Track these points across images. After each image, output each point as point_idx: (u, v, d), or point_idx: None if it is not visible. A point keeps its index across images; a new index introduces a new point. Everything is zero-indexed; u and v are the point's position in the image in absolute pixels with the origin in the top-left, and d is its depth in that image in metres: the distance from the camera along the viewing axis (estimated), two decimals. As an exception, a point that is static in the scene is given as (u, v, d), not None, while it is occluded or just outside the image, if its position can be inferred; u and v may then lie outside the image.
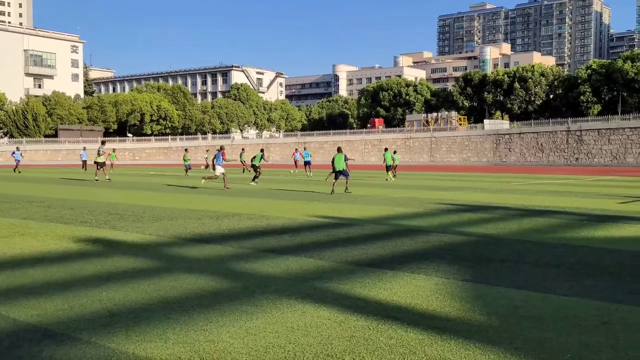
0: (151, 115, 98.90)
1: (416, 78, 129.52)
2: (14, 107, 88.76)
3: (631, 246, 9.16)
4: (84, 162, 40.92)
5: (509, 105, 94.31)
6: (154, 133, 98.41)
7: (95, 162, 29.45)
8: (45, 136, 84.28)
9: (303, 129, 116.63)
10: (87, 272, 7.07)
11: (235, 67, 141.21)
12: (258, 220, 12.56)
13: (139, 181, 29.03)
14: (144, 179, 31.82)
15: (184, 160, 38.41)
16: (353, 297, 5.96)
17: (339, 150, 22.12)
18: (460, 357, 4.20)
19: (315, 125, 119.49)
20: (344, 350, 4.35)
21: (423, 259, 8.03)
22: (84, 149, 43.57)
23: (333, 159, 21.54)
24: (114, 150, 41.37)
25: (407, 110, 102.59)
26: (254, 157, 27.63)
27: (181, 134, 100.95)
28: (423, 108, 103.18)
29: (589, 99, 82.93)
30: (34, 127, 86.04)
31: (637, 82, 77.99)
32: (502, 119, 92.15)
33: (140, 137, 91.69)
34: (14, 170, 40.25)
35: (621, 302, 5.77)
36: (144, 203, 16.50)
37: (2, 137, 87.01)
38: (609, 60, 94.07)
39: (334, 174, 21.32)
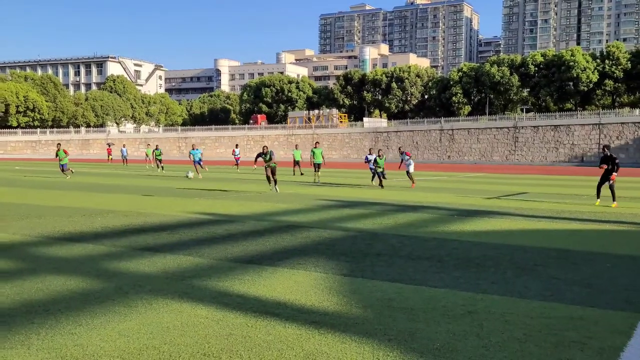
0: (17, 107, 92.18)
1: (298, 75, 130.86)
2: None
3: (495, 239, 9.82)
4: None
5: (387, 104, 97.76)
6: (21, 125, 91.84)
7: None
8: None
9: (184, 123, 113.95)
10: (-61, 276, 6.46)
11: (111, 57, 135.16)
12: (134, 217, 12.11)
13: (2, 177, 27.00)
14: (8, 174, 29.64)
15: (58, 156, 28.52)
16: (232, 294, 5.91)
17: (317, 144, 27.72)
18: (337, 351, 4.30)
19: (196, 120, 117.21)
20: (222, 349, 4.30)
21: (303, 255, 8.12)
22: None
23: (313, 153, 26.63)
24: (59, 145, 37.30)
25: (289, 107, 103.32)
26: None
27: (52, 126, 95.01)
28: (305, 105, 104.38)
29: (460, 100, 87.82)
30: None
31: (502, 85, 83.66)
32: (381, 117, 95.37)
33: (4, 130, 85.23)
34: None
35: (485, 292, 6.17)
36: (7, 200, 15.37)
37: None
38: (478, 64, 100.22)
39: (313, 166, 26.53)
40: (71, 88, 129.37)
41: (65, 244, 8.77)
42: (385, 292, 6.10)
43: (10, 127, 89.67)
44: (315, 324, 4.91)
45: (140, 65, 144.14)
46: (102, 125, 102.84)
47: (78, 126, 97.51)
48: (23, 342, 4.35)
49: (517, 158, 62.58)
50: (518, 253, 8.49)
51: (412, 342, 4.51)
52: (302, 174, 30.04)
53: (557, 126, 61.47)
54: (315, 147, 27.23)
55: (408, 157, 23.30)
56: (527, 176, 32.69)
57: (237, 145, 42.35)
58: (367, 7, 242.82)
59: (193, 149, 30.11)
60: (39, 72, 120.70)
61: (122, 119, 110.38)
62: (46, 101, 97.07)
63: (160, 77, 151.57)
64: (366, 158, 25.28)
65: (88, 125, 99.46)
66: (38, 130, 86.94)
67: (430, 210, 14.16)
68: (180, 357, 4.14)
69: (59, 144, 28.54)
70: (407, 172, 23.26)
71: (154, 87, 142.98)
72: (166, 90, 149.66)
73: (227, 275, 6.75)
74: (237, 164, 38.81)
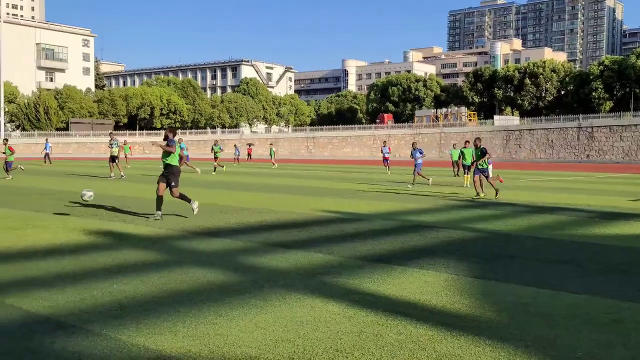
0: (161, 109, 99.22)
1: (426, 73, 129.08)
2: (25, 101, 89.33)
3: (642, 244, 9.10)
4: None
5: (519, 101, 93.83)
6: (164, 127, 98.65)
7: (110, 156, 26.86)
8: (57, 129, 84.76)
9: (312, 123, 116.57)
10: (98, 265, 7.12)
11: (244, 61, 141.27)
12: (267, 214, 12.58)
13: (150, 175, 29.14)
14: (155, 172, 31.95)
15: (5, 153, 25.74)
16: (362, 292, 5.96)
17: (467, 143, 22.69)
18: (471, 354, 4.20)
19: (323, 120, 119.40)
20: (353, 346, 4.36)
21: (432, 255, 8.02)
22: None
23: (462, 153, 22.69)
24: (125, 142, 40.21)
25: (416, 106, 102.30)
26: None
27: (191, 128, 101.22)
28: (432, 103, 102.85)
29: (601, 95, 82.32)
30: (45, 120, 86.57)
31: (649, 79, 77.37)
32: (512, 115, 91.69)
33: (150, 131, 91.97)
34: (45, 162, 39.69)
35: (632, 300, 5.74)
36: (153, 197, 16.56)
37: (14, 129, 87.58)
38: (622, 57, 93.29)
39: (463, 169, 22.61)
40: (208, 91, 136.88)
41: (205, 238, 9.31)
42: (520, 296, 5.86)
43: (155, 128, 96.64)
44: (447, 326, 4.83)
45: (271, 68, 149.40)
46: (236, 126, 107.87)
47: (214, 127, 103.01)
48: (170, 329, 4.68)
49: (666, 157, 57.49)
50: (670, 260, 7.81)
51: (551, 350, 4.30)
52: (457, 175, 27.95)
53: None
54: (465, 147, 23.23)
55: (420, 154, 21.19)
56: (678, 177, 29.93)
57: (384, 142, 36.47)
58: (499, 2, 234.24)
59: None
60: (180, 77, 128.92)
61: (255, 120, 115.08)
62: (186, 104, 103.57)
63: (290, 79, 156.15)
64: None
65: (223, 126, 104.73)
66: (179, 131, 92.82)
67: (567, 212, 13.40)
68: (314, 351, 4.25)
69: (5, 139, 27.23)
70: (414, 171, 21.40)
71: (284, 88, 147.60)
72: (295, 91, 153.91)
73: (357, 273, 6.83)
74: (387, 164, 32.71)
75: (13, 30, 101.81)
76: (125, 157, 36.51)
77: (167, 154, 11.81)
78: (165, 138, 11.91)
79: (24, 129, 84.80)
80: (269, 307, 5.36)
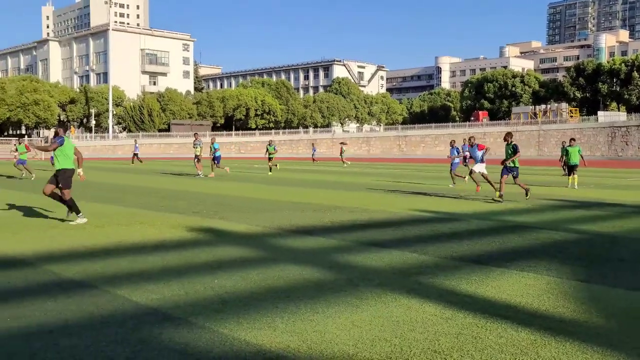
0: (256, 110, 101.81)
1: (523, 69, 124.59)
2: (131, 104, 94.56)
3: None
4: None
5: (626, 96, 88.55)
6: (258, 127, 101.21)
7: (195, 156, 27.75)
8: (159, 130, 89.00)
9: (404, 122, 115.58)
10: (200, 260, 7.41)
11: (336, 61, 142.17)
12: (360, 213, 12.61)
13: (244, 174, 29.99)
14: (248, 173, 32.84)
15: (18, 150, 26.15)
16: (459, 293, 5.85)
17: (572, 141, 21.24)
18: (576, 361, 4.02)
19: (416, 118, 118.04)
20: (452, 347, 4.29)
21: (532, 257, 7.73)
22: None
23: (567, 151, 21.03)
24: (212, 140, 41.27)
25: (513, 103, 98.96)
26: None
27: (284, 128, 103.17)
28: (530, 100, 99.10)
29: None
30: (149, 122, 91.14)
31: None
32: (619, 110, 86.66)
33: (245, 131, 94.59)
34: (132, 161, 42.25)
35: None
36: (249, 195, 17.03)
37: (121, 131, 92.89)
38: None
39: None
40: (301, 91, 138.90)
41: (299, 236, 9.46)
42: (631, 302, 5.54)
43: (250, 128, 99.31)
44: (550, 330, 4.65)
45: (363, 67, 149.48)
46: (327, 125, 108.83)
47: (306, 127, 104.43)
48: (269, 324, 4.80)
49: None
50: None
51: (667, 361, 4.03)
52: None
53: None
54: (571, 145, 21.39)
55: (471, 148, 17.45)
56: None
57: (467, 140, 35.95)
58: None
59: (212, 143, 27.71)
60: (274, 78, 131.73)
61: (346, 119, 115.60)
62: (280, 104, 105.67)
63: (381, 78, 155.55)
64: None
65: (315, 126, 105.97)
66: (272, 131, 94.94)
67: (682, 214, 12.50)
68: (411, 351, 4.22)
69: (20, 138, 27.12)
70: (450, 170, 20.10)
71: (375, 87, 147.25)
72: (387, 90, 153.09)
73: (453, 274, 6.70)
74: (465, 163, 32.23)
75: (120, 37, 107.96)
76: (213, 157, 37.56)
77: (57, 157, 10.63)
78: (55, 135, 10.72)
79: (129, 131, 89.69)
80: (364, 306, 5.37)
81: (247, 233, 9.77)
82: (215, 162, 26.46)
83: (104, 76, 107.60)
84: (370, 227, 10.57)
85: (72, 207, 10.66)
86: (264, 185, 21.14)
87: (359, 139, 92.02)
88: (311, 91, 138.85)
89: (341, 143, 49.00)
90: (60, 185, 10.52)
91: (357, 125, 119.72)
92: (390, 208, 13.63)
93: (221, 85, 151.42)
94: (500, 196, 15.16)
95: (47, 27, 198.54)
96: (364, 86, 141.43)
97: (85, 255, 7.66)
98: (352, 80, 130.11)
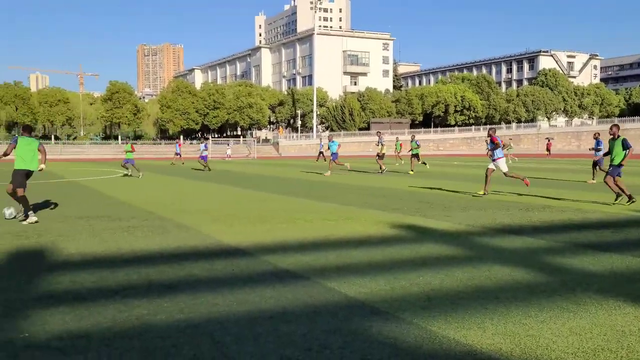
0: (455, 106, 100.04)
1: None
2: (333, 104, 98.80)
3: None
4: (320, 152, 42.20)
5: None
6: (458, 123, 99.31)
7: (376, 154, 29.03)
8: (359, 129, 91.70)
9: (621, 114, 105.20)
10: (404, 257, 7.47)
11: (542, 52, 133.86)
12: (572, 212, 11.75)
13: (440, 171, 29.61)
14: (448, 169, 32.37)
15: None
16: (698, 306, 5.16)
17: None
18: None
19: (635, 110, 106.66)
20: (691, 366, 3.80)
21: None
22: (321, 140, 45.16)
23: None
24: (397, 139, 41.27)
25: None
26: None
27: (484, 123, 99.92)
28: None
29: None
30: (350, 121, 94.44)
31: None
32: None
33: (444, 128, 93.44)
34: (316, 160, 43.68)
35: None
36: (452, 192, 16.77)
37: (324, 130, 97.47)
38: None
39: None
40: (503, 85, 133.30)
41: (506, 235, 9.08)
42: None
43: (449, 125, 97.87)
44: None
45: (573, 57, 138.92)
46: (532, 120, 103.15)
47: (509, 122, 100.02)
48: (479, 325, 4.67)
49: None
50: None
51: None
52: None
53: None
54: None
55: (502, 144, 15.28)
56: None
57: None
58: None
59: (330, 141, 26.95)
60: (475, 72, 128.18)
61: (553, 113, 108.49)
62: (480, 99, 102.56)
63: (594, 67, 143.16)
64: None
65: (519, 121, 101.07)
66: (472, 127, 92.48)
67: None
68: (641, 366, 3.82)
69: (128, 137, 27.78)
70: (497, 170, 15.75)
71: (587, 77, 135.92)
72: (601, 80, 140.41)
73: (689, 284, 5.93)
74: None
75: (324, 40, 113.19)
76: (397, 154, 37.84)
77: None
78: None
79: (331, 130, 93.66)
80: (583, 312, 4.98)
81: (450, 231, 9.63)
82: (333, 158, 26.70)
83: (309, 79, 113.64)
84: (584, 228, 9.81)
85: (25, 205, 10.92)
86: (460, 183, 20.67)
87: (567, 133, 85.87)
88: (514, 85, 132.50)
89: (547, 139, 46.25)
90: (11, 181, 10.90)
91: (566, 119, 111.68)
92: (606, 208, 12.50)
93: (419, 83, 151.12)
94: (617, 197, 13.38)
95: (260, 35, 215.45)
96: (574, 77, 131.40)
97: (296, 248, 8.15)
98: (560, 71, 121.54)
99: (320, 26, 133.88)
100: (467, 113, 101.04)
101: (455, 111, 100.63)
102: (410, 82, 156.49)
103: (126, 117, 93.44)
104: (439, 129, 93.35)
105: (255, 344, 4.27)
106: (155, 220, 11.06)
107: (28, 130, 11.38)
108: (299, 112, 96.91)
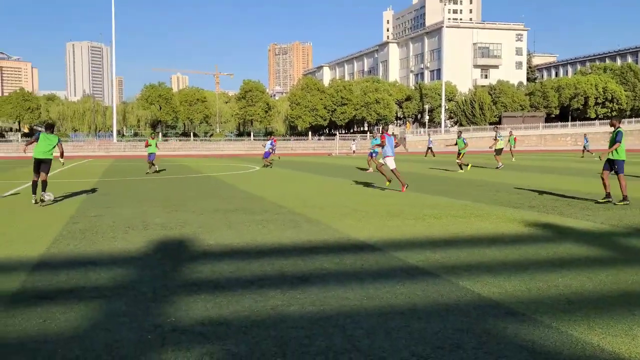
0: (596, 98, 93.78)
1: None
2: (463, 98, 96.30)
3: None
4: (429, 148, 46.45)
5: None
6: (599, 117, 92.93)
7: (494, 149, 28.65)
8: (490, 123, 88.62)
9: None
10: (540, 257, 7.12)
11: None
12: None
13: (580, 167, 27.89)
14: (588, 164, 30.43)
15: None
16: None
17: None
18: None
19: None
20: None
21: None
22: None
23: None
24: (510, 133, 39.34)
25: None
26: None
27: (629, 116, 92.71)
28: None
29: None
30: (480, 115, 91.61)
31: None
32: None
33: (583, 122, 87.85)
34: (425, 155, 45.39)
35: None
36: (584, 189, 15.74)
37: (452, 125, 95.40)
38: None
39: None
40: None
41: (656, 237, 8.38)
42: None
43: (588, 118, 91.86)
44: None
45: None
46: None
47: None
48: (626, 332, 4.35)
49: None
50: None
51: None
52: None
53: None
54: None
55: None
56: None
57: None
58: None
59: (374, 138, 25.20)
60: (619, 62, 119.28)
61: None
62: (625, 90, 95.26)
63: None
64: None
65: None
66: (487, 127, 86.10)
67: None
68: None
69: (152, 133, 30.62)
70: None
71: None
72: None
73: None
74: None
75: (453, 33, 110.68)
76: (510, 149, 36.48)
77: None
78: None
79: (460, 124, 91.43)
80: None
81: (591, 230, 9.05)
82: (373, 155, 26.20)
83: (437, 73, 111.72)
84: None
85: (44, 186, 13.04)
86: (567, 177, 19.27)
87: None
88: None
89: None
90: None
91: None
92: None
93: (556, 74, 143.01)
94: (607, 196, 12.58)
95: (387, 30, 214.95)
96: None
97: (425, 245, 8.04)
98: None
99: (449, 19, 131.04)
100: (610, 105, 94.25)
101: (596, 103, 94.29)
102: (545, 73, 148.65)
103: (258, 114, 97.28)
104: (577, 122, 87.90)
105: (387, 339, 4.28)
106: (286, 214, 11.41)
107: (50, 128, 13.51)
108: (426, 107, 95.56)
